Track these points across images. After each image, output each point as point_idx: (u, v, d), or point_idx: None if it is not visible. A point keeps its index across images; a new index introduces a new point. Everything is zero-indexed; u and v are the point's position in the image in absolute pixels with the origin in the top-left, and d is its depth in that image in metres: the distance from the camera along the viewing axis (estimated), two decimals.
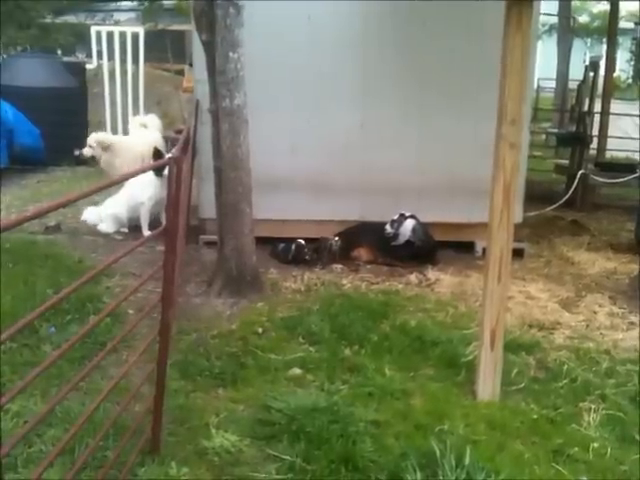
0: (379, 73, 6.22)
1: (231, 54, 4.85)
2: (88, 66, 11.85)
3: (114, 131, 10.47)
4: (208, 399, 3.60)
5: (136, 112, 10.63)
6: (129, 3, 19.89)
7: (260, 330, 4.47)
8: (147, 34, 11.27)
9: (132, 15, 18.76)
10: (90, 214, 6.90)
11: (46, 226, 6.49)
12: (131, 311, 4.50)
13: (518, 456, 3.22)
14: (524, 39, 3.51)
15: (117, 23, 16.14)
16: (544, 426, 3.52)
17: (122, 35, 10.69)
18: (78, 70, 11.43)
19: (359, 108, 6.29)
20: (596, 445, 3.37)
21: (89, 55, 12.06)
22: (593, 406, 3.70)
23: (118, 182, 2.67)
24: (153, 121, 8.18)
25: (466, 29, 6.08)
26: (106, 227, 6.73)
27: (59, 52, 17.20)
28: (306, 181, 6.28)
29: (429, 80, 6.23)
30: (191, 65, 8.25)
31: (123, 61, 10.71)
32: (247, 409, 3.52)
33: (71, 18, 18.52)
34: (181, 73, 13.94)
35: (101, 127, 10.40)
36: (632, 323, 4.94)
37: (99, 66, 11.19)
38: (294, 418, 3.32)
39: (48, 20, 17.44)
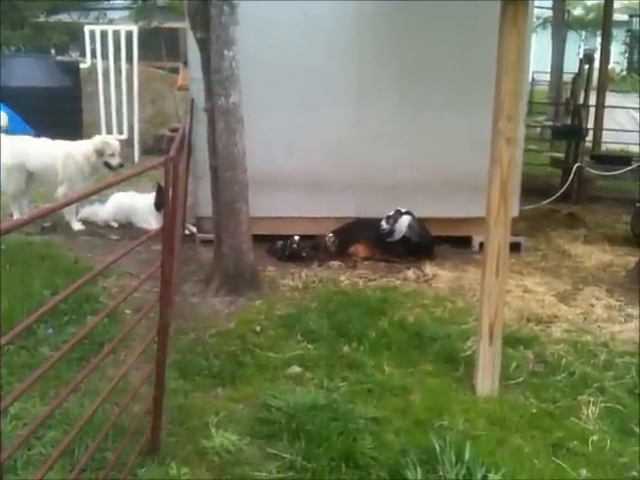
0: (375, 70, 6.21)
1: (226, 52, 4.84)
2: (82, 65, 11.81)
3: (109, 130, 10.45)
4: (207, 398, 3.60)
5: (131, 111, 10.60)
6: (122, 2, 19.82)
7: (258, 328, 4.47)
8: (141, 32, 11.23)
9: (125, 13, 18.69)
10: (85, 213, 6.93)
11: (42, 226, 6.48)
12: (128, 311, 4.49)
13: (518, 450, 3.23)
14: (520, 36, 3.51)
15: (111, 22, 16.09)
16: (543, 420, 3.53)
17: (116, 34, 10.65)
18: (72, 69, 11.40)
19: (355, 105, 6.28)
20: (595, 438, 3.38)
21: (83, 54, 12.02)
22: (592, 399, 3.71)
23: (116, 183, 2.66)
24: None
25: (461, 25, 6.06)
26: (104, 213, 6.88)
27: (53, 51, 17.14)
28: (302, 178, 6.27)
29: (424, 76, 6.22)
30: (186, 63, 8.24)
31: (117, 60, 10.67)
32: (246, 408, 3.52)
33: (64, 17, 18.46)
34: (175, 71, 13.90)
35: (96, 127, 10.38)
36: (629, 315, 4.95)
37: (93, 65, 11.13)
38: (294, 416, 3.32)
39: (41, 19, 17.39)
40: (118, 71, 10.68)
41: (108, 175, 6.61)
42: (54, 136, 6.90)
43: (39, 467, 2.65)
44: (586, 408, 3.64)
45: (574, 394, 3.79)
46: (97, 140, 6.73)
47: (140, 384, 3.05)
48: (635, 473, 3.15)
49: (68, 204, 2.06)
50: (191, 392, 3.64)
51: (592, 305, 5.12)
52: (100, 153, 6.56)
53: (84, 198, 2.17)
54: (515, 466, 3.06)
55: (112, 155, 6.61)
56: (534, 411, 3.61)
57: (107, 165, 6.62)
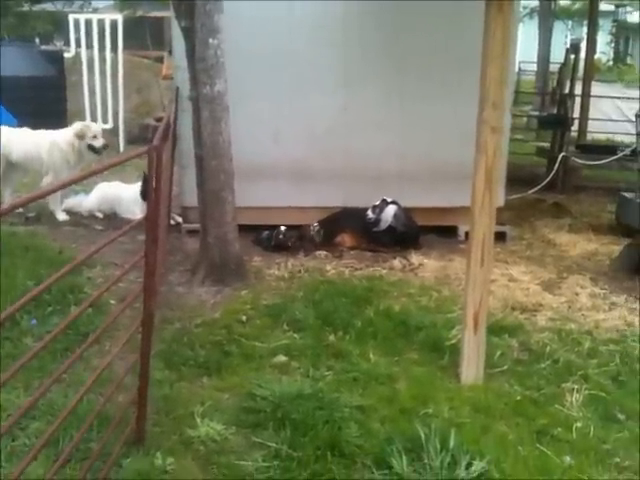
0: (361, 60, 6.18)
1: (211, 40, 4.80)
2: (66, 54, 11.69)
3: (93, 120, 10.36)
4: (193, 388, 3.60)
5: (115, 100, 10.52)
6: None
7: (244, 318, 4.46)
8: (126, 21, 11.11)
9: (110, 2, 18.54)
10: (69, 203, 6.87)
11: (26, 217, 6.42)
12: (113, 301, 4.47)
13: (502, 438, 3.25)
14: (505, 23, 3.50)
15: (95, 10, 15.96)
16: (527, 407, 3.55)
17: (100, 23, 10.55)
18: (56, 59, 11.28)
19: (341, 95, 6.26)
20: (579, 425, 3.41)
21: (67, 43, 11.90)
22: (576, 386, 3.74)
23: (100, 171, 2.64)
24: None
25: (446, 18, 6.04)
26: (89, 204, 6.81)
27: (37, 40, 16.96)
28: (289, 168, 6.24)
29: (410, 66, 6.21)
30: (170, 52, 8.18)
31: (102, 49, 10.57)
32: (232, 397, 3.52)
33: (49, 6, 18.28)
34: (160, 60, 13.79)
35: (80, 116, 10.29)
36: (613, 304, 4.99)
37: (77, 54, 11.04)
38: (279, 405, 3.32)
39: (25, 8, 17.20)
40: (103, 60, 10.58)
41: (93, 165, 6.56)
42: (38, 126, 6.83)
43: (23, 458, 2.64)
44: (570, 395, 3.66)
45: (558, 382, 3.82)
46: (76, 124, 6.68)
47: (125, 374, 3.04)
48: (618, 459, 3.18)
49: (50, 192, 2.05)
50: (176, 382, 3.63)
51: (576, 293, 5.15)
52: (81, 136, 6.49)
53: (67, 186, 2.16)
54: (499, 453, 3.07)
55: (94, 137, 6.55)
56: (518, 399, 3.63)
57: (91, 148, 6.54)
